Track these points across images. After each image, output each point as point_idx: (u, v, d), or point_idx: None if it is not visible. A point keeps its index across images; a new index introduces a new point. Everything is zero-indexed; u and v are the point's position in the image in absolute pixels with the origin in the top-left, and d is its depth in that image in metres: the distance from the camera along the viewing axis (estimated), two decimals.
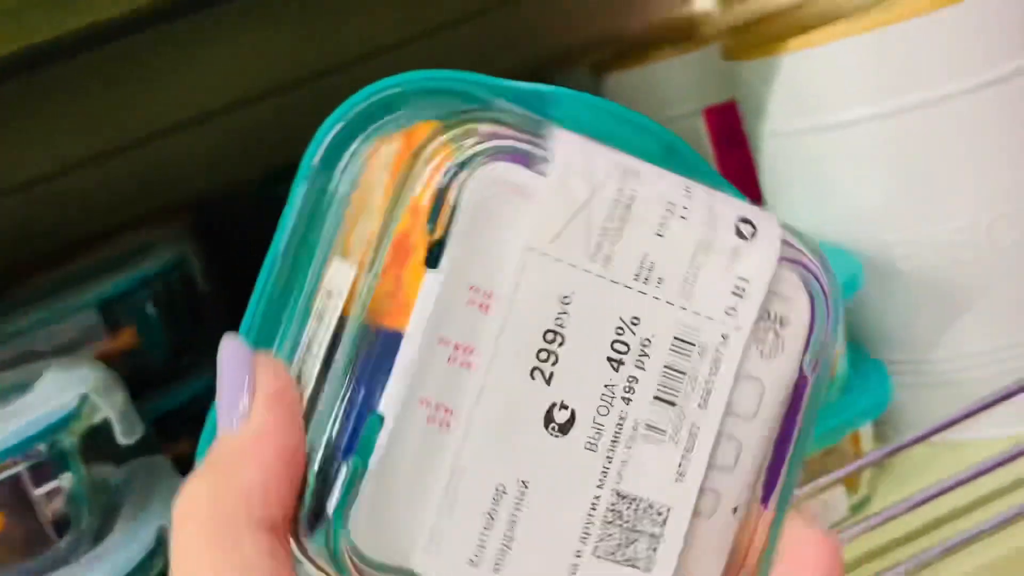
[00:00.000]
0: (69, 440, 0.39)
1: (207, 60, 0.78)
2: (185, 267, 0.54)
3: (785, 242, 0.22)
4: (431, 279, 0.20)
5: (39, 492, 0.38)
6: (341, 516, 0.20)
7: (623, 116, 0.23)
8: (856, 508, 0.45)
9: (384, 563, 0.20)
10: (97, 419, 0.40)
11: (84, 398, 0.39)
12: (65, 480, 0.39)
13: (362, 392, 0.20)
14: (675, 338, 0.21)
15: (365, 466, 0.20)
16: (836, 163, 0.45)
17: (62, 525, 0.39)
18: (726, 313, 0.21)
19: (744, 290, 0.21)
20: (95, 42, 0.72)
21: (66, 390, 0.39)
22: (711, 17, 0.72)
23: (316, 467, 0.20)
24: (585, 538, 0.21)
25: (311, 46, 0.80)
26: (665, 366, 0.21)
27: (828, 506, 0.44)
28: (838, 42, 0.43)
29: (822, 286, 0.22)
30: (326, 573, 0.20)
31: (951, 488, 0.41)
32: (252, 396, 0.20)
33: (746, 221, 0.22)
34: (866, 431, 0.45)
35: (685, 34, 0.66)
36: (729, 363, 0.21)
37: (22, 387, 0.40)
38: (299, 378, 0.21)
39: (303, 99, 0.79)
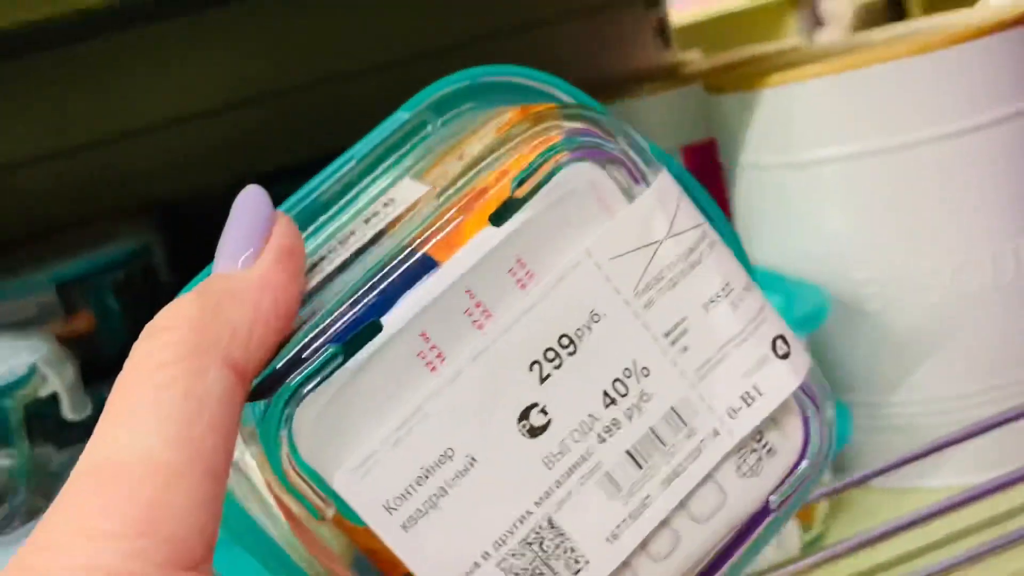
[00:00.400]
0: (13, 409, 0.38)
1: (184, 65, 0.78)
2: (147, 256, 0.54)
3: (806, 383, 0.22)
4: (488, 232, 0.20)
5: None
6: (295, 394, 0.19)
7: (710, 203, 0.23)
8: (809, 545, 0.45)
9: (307, 463, 0.19)
10: (45, 391, 0.39)
11: (33, 367, 0.38)
12: (3, 452, 0.37)
13: (375, 297, 0.19)
14: (672, 408, 0.21)
15: (342, 361, 0.19)
16: (808, 199, 0.46)
17: None
18: (728, 412, 0.21)
19: (753, 400, 0.21)
20: (72, 37, 0.72)
21: (15, 357, 0.38)
22: (694, 61, 0.73)
23: (302, 337, 0.19)
24: (499, 544, 0.20)
25: (289, 60, 0.80)
26: (651, 428, 0.21)
27: (781, 540, 0.43)
28: (815, 80, 0.44)
29: (821, 443, 0.22)
30: (251, 442, 0.19)
31: (898, 530, 0.41)
32: (264, 244, 0.20)
33: (785, 341, 0.22)
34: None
35: (668, 75, 0.67)
36: (707, 460, 0.21)
37: None
38: (323, 259, 0.21)
39: (275, 110, 0.80)
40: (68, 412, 0.39)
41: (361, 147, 0.22)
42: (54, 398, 0.39)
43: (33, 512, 0.38)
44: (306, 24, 0.80)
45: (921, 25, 0.51)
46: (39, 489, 0.39)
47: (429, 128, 0.22)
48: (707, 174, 0.58)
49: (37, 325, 0.48)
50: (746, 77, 0.47)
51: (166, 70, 0.77)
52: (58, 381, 0.38)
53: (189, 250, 0.77)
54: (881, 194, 0.44)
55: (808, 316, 0.42)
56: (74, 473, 0.18)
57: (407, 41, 0.82)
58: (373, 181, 0.22)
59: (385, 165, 0.22)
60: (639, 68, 0.81)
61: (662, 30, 0.85)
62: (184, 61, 0.78)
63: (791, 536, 0.43)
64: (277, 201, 0.21)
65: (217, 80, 0.79)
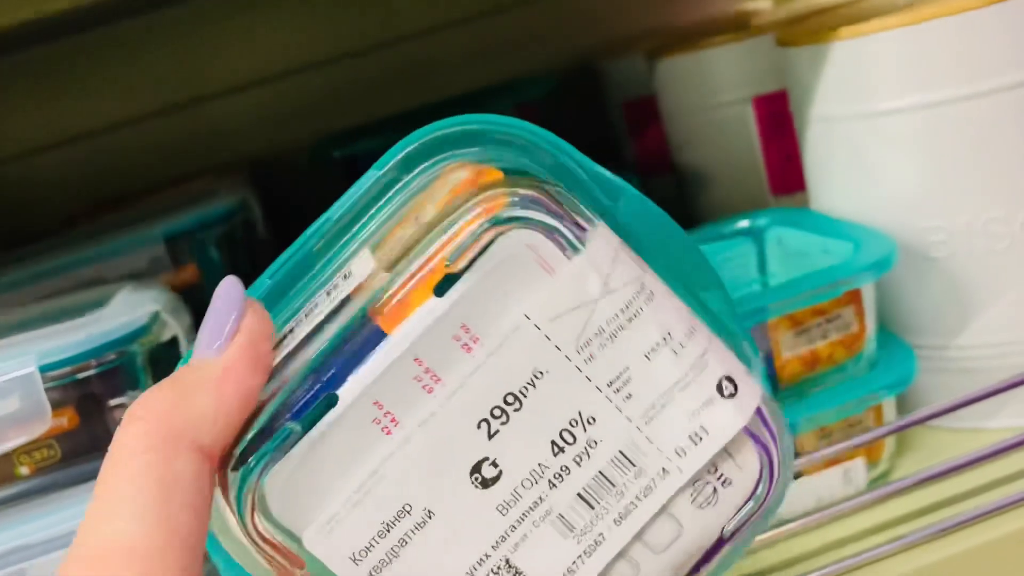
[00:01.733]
0: (139, 353, 0.41)
1: (268, 28, 0.81)
2: (246, 212, 0.57)
3: (760, 416, 0.23)
4: (432, 304, 0.22)
5: (109, 396, 0.40)
6: (261, 466, 0.22)
7: (669, 228, 0.24)
8: (875, 481, 0.47)
9: (279, 521, 0.22)
10: (166, 336, 0.42)
11: (155, 315, 0.41)
12: (134, 389, 0.41)
13: (331, 371, 0.22)
14: (619, 451, 0.22)
15: (301, 434, 0.22)
16: (878, 150, 0.47)
17: None
18: (676, 452, 0.23)
19: (701, 440, 0.23)
20: (165, 3, 0.75)
21: (139, 307, 0.41)
22: (764, 11, 0.74)
23: (263, 417, 0.22)
24: None
25: (363, 21, 0.82)
26: (600, 471, 0.22)
27: (848, 476, 0.45)
28: (887, 32, 0.45)
29: (773, 472, 0.24)
30: (231, 507, 0.22)
31: (959, 468, 0.43)
32: (234, 333, 0.22)
33: (731, 381, 0.23)
34: (889, 406, 0.46)
35: (738, 26, 0.67)
36: (659, 496, 0.23)
37: (96, 304, 0.43)
38: (290, 333, 0.23)
39: (352, 71, 0.82)
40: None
41: (337, 208, 0.23)
42: (173, 341, 0.43)
43: None
44: None
45: None
46: None
47: (399, 185, 0.23)
48: (779, 124, 0.60)
49: (148, 277, 0.52)
50: (817, 30, 0.48)
51: (251, 33, 0.80)
52: (177, 326, 0.42)
53: (279, 203, 0.80)
54: (950, 143, 0.45)
55: (876, 263, 0.43)
56: (68, 559, 0.20)
57: (478, 0, 0.83)
58: (342, 247, 0.23)
59: (353, 231, 0.23)
60: (706, 18, 0.81)
61: None
62: (269, 24, 0.81)
63: (859, 472, 0.45)
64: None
65: (299, 42, 0.82)
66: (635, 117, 0.76)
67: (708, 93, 0.63)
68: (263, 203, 0.78)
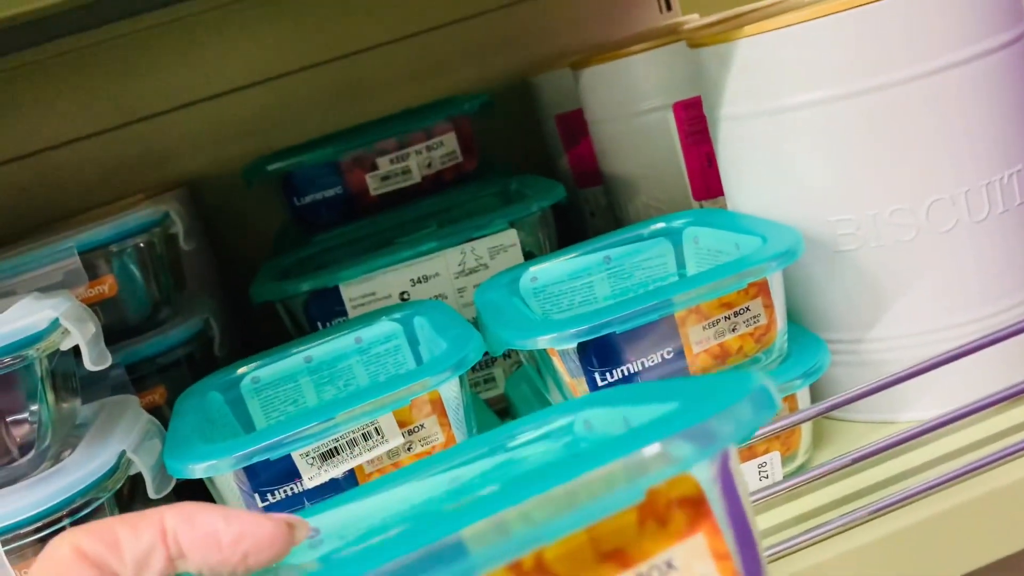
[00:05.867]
0: (38, 360, 0.41)
1: (204, 49, 0.81)
2: (167, 225, 0.57)
3: None
4: None
5: (4, 404, 0.40)
6: None
7: None
8: (790, 475, 0.47)
9: None
10: (67, 344, 0.42)
11: (55, 321, 0.41)
12: (31, 399, 0.41)
13: None
14: None
15: None
16: (785, 145, 0.48)
17: (25, 445, 0.41)
18: None
19: None
20: (103, 24, 0.75)
21: (38, 313, 0.41)
22: (691, 21, 0.75)
23: None
24: None
25: (300, 41, 0.83)
26: None
27: (764, 468, 0.45)
28: (789, 29, 0.46)
29: None
30: None
31: (873, 454, 0.43)
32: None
33: None
34: (804, 399, 0.47)
35: (664, 36, 0.68)
36: None
37: None
38: None
39: (290, 89, 0.83)
40: (89, 363, 0.42)
41: None
42: (76, 351, 0.42)
43: (58, 458, 0.41)
44: (312, 8, 0.83)
45: None
46: (66, 439, 0.43)
47: None
48: (698, 129, 0.60)
49: (62, 290, 0.51)
50: (721, 30, 0.49)
51: (188, 55, 0.80)
52: (79, 334, 0.42)
53: (210, 221, 0.80)
54: (853, 137, 0.46)
55: (781, 254, 0.44)
56: None
57: (413, 19, 0.84)
58: None
59: None
60: (642, 31, 0.82)
61: None
62: (207, 45, 0.81)
63: (774, 465, 0.45)
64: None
65: (237, 62, 0.82)
66: (568, 130, 0.77)
67: (629, 101, 0.64)
68: (205, 221, 0.78)
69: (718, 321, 0.44)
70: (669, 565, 0.23)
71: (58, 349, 0.41)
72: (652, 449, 0.22)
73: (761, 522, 0.45)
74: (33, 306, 0.42)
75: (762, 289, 0.44)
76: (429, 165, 0.76)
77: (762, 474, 0.45)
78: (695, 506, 0.23)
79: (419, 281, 0.63)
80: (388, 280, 0.62)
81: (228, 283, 0.78)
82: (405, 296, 0.62)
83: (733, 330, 0.44)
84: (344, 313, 0.62)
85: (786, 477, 0.46)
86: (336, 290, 0.61)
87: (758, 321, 0.45)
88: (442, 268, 0.63)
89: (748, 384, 0.24)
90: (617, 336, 0.43)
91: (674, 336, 0.44)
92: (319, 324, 0.62)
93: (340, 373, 0.54)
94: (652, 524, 0.23)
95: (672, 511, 0.23)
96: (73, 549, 0.23)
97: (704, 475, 0.24)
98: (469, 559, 0.20)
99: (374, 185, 0.74)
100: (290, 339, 0.56)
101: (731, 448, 0.24)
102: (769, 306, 0.45)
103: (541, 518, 0.21)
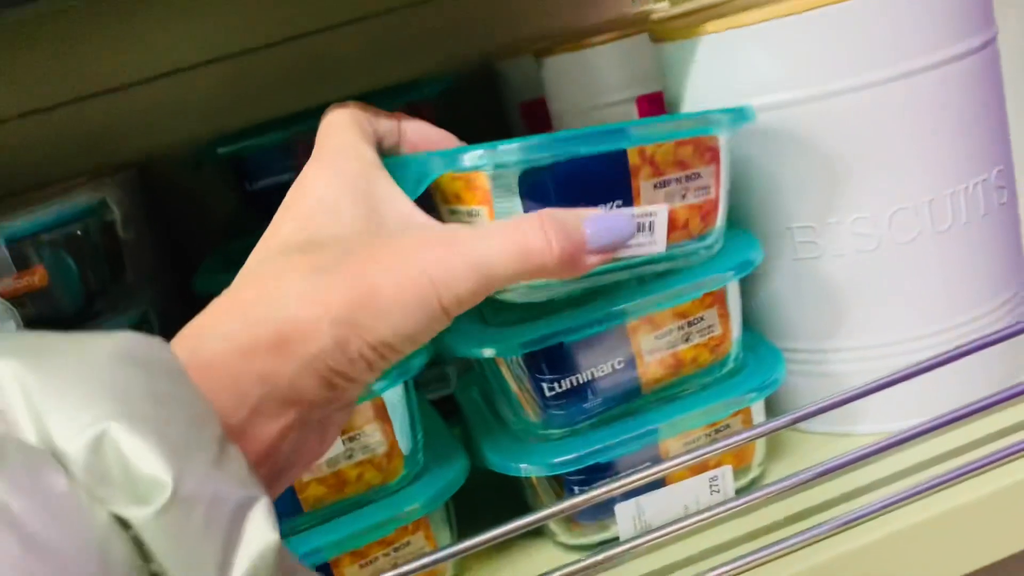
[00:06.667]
0: None
1: (154, 25, 0.78)
2: (103, 213, 0.54)
3: None
4: None
5: None
6: None
7: None
8: (745, 489, 0.45)
9: None
10: None
11: None
12: None
13: None
14: None
15: None
16: (747, 148, 0.46)
17: None
18: None
19: None
20: None
21: None
22: (658, 11, 0.73)
23: None
24: None
25: (255, 18, 0.80)
26: None
27: (715, 483, 0.44)
28: (753, 27, 0.44)
29: None
30: None
31: (826, 472, 0.42)
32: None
33: None
34: (758, 411, 0.45)
35: (629, 26, 0.66)
36: None
37: None
38: None
39: (244, 69, 0.80)
40: None
41: None
42: None
43: None
44: None
45: None
46: None
47: None
48: None
49: None
50: (685, 25, 0.47)
51: (138, 31, 0.77)
52: None
53: (168, 204, 0.77)
54: (815, 141, 0.44)
55: (738, 264, 0.42)
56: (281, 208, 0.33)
57: None
58: None
59: None
60: (612, 19, 0.80)
61: None
62: (157, 21, 0.78)
63: (726, 479, 0.44)
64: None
65: (188, 40, 0.79)
66: (532, 119, 0.75)
67: (594, 93, 0.62)
68: (152, 204, 0.75)
69: (671, 331, 0.42)
70: None
71: None
72: None
73: (711, 538, 0.43)
74: None
75: (718, 298, 0.43)
76: None
77: (713, 489, 0.44)
78: None
79: None
80: None
81: (182, 268, 0.75)
82: None
83: (687, 340, 0.43)
84: None
85: (738, 492, 0.45)
86: None
87: (713, 331, 0.43)
88: None
89: None
90: (566, 346, 0.41)
91: (624, 345, 0.42)
92: None
93: None
94: None
95: None
96: (350, 114, 0.34)
97: None
98: None
99: None
100: None
101: None
102: (724, 315, 0.43)
103: None
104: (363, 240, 0.30)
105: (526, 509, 0.41)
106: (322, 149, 0.33)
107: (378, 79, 0.80)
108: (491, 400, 0.48)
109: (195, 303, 0.73)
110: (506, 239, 0.30)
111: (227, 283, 0.59)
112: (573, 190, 0.38)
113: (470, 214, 0.41)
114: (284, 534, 0.29)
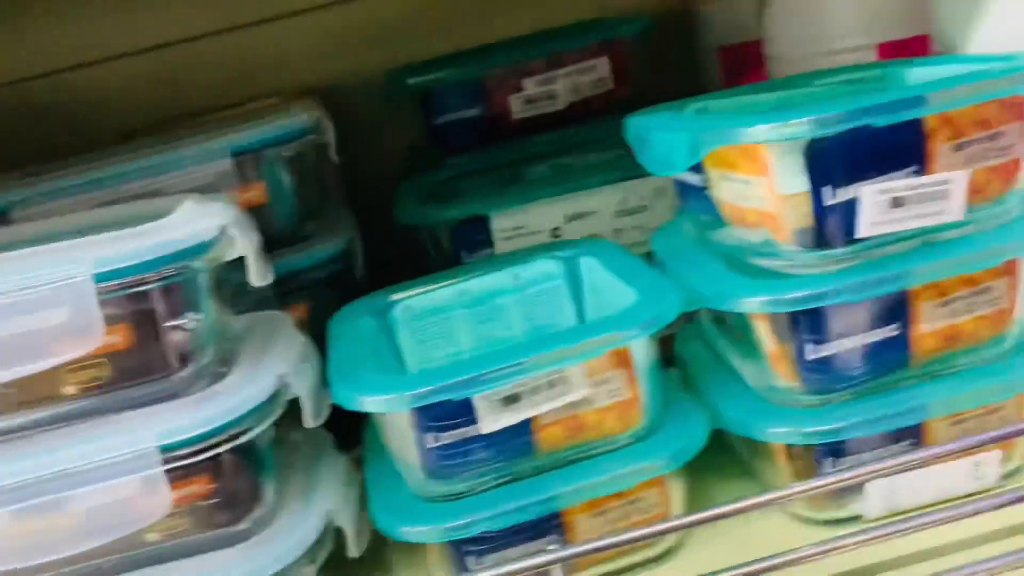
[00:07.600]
0: (203, 270, 0.37)
1: None
2: (319, 134, 0.52)
3: None
4: None
5: (167, 315, 0.36)
6: None
7: None
8: (1009, 477, 0.42)
9: None
10: (232, 254, 0.38)
11: (223, 229, 0.37)
12: (193, 311, 0.37)
13: None
14: None
15: None
16: None
17: (185, 356, 0.37)
18: None
19: None
20: None
21: (205, 219, 0.37)
22: None
23: None
24: None
25: None
26: None
27: (979, 469, 0.40)
28: None
29: None
30: None
31: None
32: None
33: None
34: None
35: None
36: None
37: (156, 216, 0.39)
38: None
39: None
40: (254, 278, 0.39)
41: None
42: (239, 263, 0.39)
43: (218, 375, 0.38)
44: None
45: None
46: (222, 352, 0.39)
47: None
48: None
49: (212, 192, 0.48)
50: None
51: None
52: (247, 245, 0.38)
53: (346, 132, 0.76)
54: None
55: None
56: None
57: None
58: None
59: None
60: None
61: None
62: None
63: (991, 467, 0.40)
64: None
65: None
66: (732, 65, 0.71)
67: (826, 38, 0.57)
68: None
69: (954, 300, 0.39)
70: None
71: (224, 259, 0.38)
72: None
73: (960, 531, 0.40)
74: (198, 211, 0.38)
75: (1009, 268, 0.39)
76: (576, 90, 0.70)
77: (976, 475, 0.40)
78: None
79: (575, 217, 0.58)
80: (542, 213, 0.57)
81: (354, 202, 0.74)
82: (557, 232, 0.58)
83: (969, 311, 0.39)
84: (489, 244, 0.57)
85: (1002, 479, 0.41)
86: (485, 219, 0.57)
87: (999, 303, 0.39)
88: (601, 206, 0.58)
89: None
90: (837, 306, 0.38)
91: (901, 311, 0.39)
92: (462, 254, 0.58)
93: (494, 311, 0.50)
94: None
95: None
96: None
97: None
98: None
99: (516, 108, 0.69)
100: (418, 264, 0.52)
101: None
102: (1014, 287, 0.39)
103: None
104: None
105: (750, 470, 0.38)
106: None
107: (571, 15, 0.76)
108: (721, 356, 0.45)
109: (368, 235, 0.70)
110: None
111: (430, 217, 0.57)
112: (862, 159, 0.35)
113: (747, 183, 0.38)
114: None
